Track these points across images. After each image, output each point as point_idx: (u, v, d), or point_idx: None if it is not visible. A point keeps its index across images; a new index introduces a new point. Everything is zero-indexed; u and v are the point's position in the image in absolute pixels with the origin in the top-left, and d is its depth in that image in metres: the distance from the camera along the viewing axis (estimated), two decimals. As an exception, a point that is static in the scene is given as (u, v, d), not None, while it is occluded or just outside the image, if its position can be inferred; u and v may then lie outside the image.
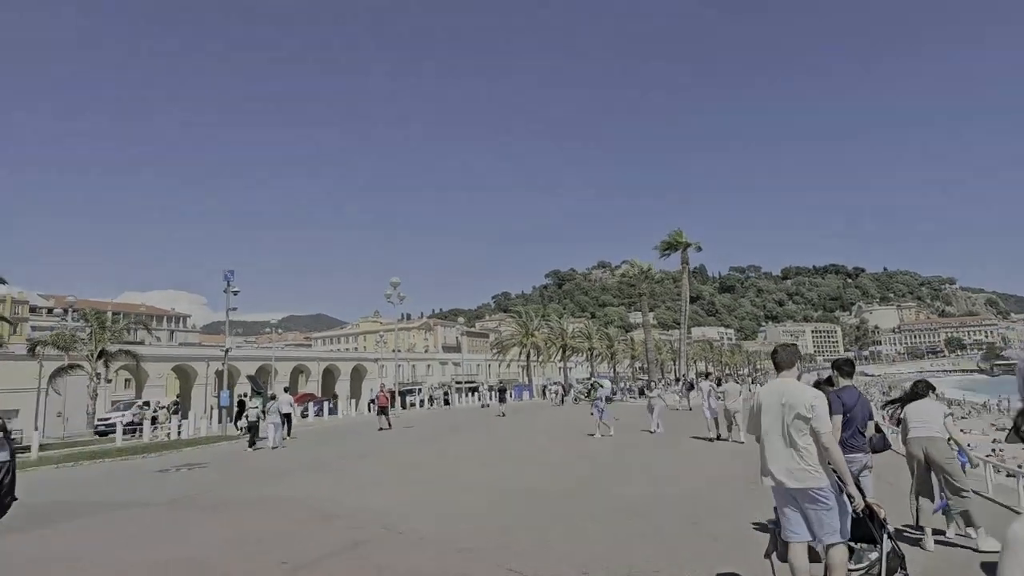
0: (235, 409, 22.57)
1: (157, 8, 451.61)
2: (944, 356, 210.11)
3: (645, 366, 62.69)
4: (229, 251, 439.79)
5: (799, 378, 4.21)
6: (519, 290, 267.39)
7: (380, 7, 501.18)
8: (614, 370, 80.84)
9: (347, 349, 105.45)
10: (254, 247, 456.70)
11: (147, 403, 30.67)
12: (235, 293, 22.04)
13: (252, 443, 17.91)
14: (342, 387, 67.91)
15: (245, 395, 23.31)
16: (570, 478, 10.56)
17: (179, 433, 22.08)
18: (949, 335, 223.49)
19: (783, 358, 4.13)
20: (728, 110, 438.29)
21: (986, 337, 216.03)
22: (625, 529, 6.69)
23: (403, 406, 41.01)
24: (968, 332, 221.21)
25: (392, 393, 38.27)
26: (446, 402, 45.12)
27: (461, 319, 77.03)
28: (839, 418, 5.17)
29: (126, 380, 57.76)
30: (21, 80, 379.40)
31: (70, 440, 25.16)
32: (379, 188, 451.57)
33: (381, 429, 22.16)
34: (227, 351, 22.54)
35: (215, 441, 20.51)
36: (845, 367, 6.05)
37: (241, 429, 21.24)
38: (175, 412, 23.45)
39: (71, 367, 26.27)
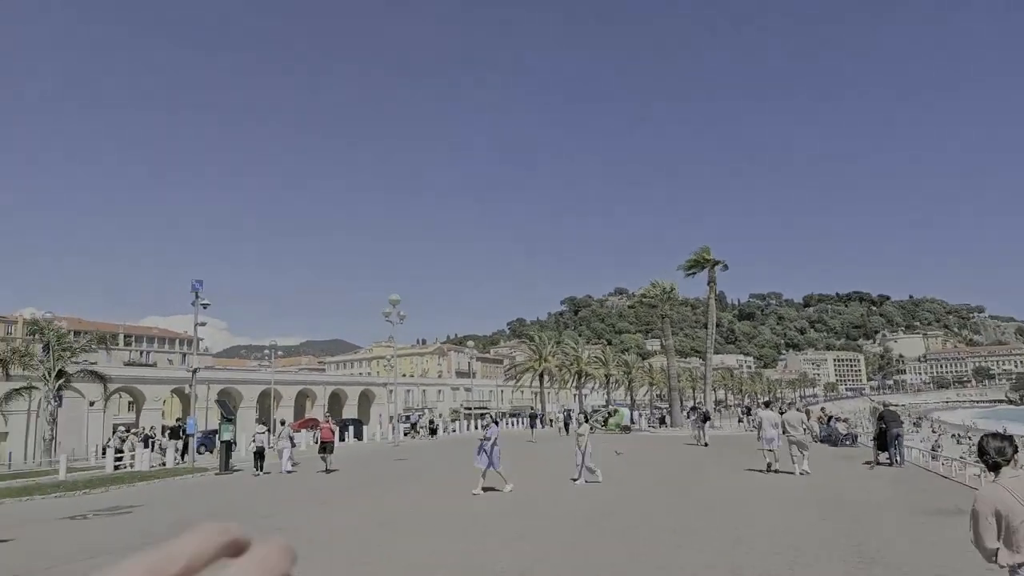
0: (183, 438, 20.24)
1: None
2: (971, 386, 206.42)
3: (666, 393, 59.40)
4: (253, 275, 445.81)
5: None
6: (534, 316, 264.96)
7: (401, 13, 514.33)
8: (631, 397, 77.40)
9: (360, 374, 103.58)
10: (276, 272, 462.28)
11: (132, 429, 28.56)
12: (204, 306, 20.01)
13: (260, 467, 17.69)
14: (349, 412, 65.87)
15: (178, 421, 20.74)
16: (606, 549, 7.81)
17: (146, 463, 19.70)
18: (977, 364, 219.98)
19: None
20: (749, 134, 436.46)
21: (1015, 367, 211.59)
22: None
23: (404, 434, 38.47)
24: (997, 361, 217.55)
25: (352, 423, 33.23)
26: (432, 432, 38.87)
27: (470, 343, 74.54)
28: None
29: (129, 403, 56.16)
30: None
31: (26, 471, 22.59)
32: (396, 214, 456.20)
33: (324, 471, 17.28)
34: (195, 371, 20.30)
35: (181, 474, 18.18)
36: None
37: (180, 459, 19.09)
38: (144, 438, 21.22)
39: (17, 390, 24.15)
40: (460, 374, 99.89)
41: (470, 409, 53.27)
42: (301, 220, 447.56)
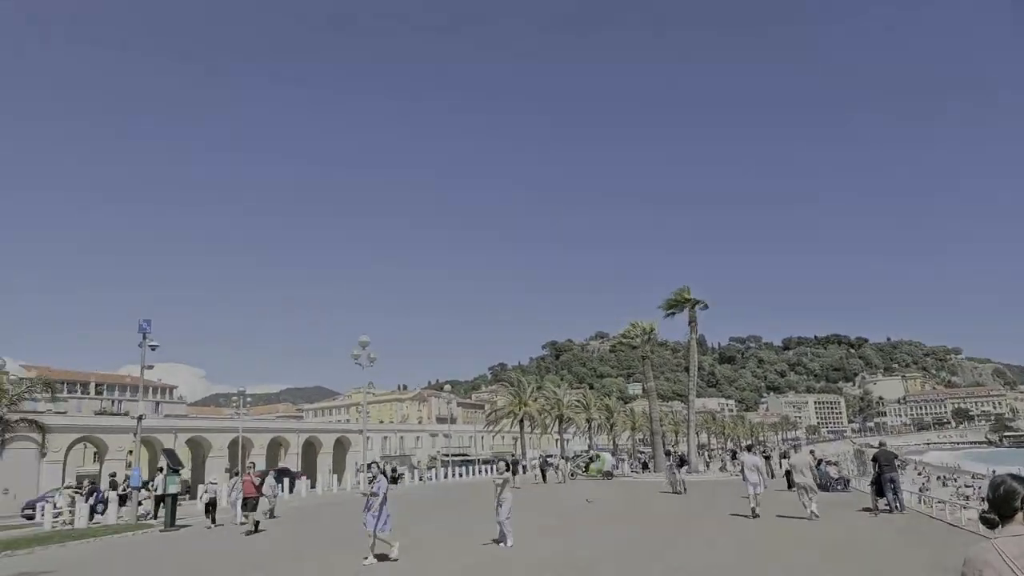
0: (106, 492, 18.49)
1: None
2: (951, 427, 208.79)
3: (648, 438, 58.24)
4: (234, 324, 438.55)
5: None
6: (516, 361, 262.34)
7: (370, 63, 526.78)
8: (614, 442, 75.82)
9: (339, 420, 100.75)
10: (258, 321, 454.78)
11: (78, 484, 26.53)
12: (152, 348, 18.78)
13: (212, 520, 17.07)
14: (324, 460, 63.53)
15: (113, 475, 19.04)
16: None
17: (89, 519, 17.99)
18: (956, 406, 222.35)
19: None
20: (726, 178, 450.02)
21: (994, 408, 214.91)
22: None
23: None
24: (975, 403, 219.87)
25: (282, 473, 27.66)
26: (394, 480, 35.65)
27: (447, 386, 73.06)
28: None
29: (94, 454, 53.79)
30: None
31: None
32: (375, 259, 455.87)
33: (250, 532, 15.07)
34: (139, 418, 18.78)
35: (122, 531, 16.60)
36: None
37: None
38: (90, 492, 19.54)
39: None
40: (440, 420, 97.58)
41: (448, 456, 51.36)
42: (285, 268, 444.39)
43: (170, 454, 18.47)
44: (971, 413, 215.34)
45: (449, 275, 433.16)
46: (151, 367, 19.16)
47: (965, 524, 12.78)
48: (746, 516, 14.66)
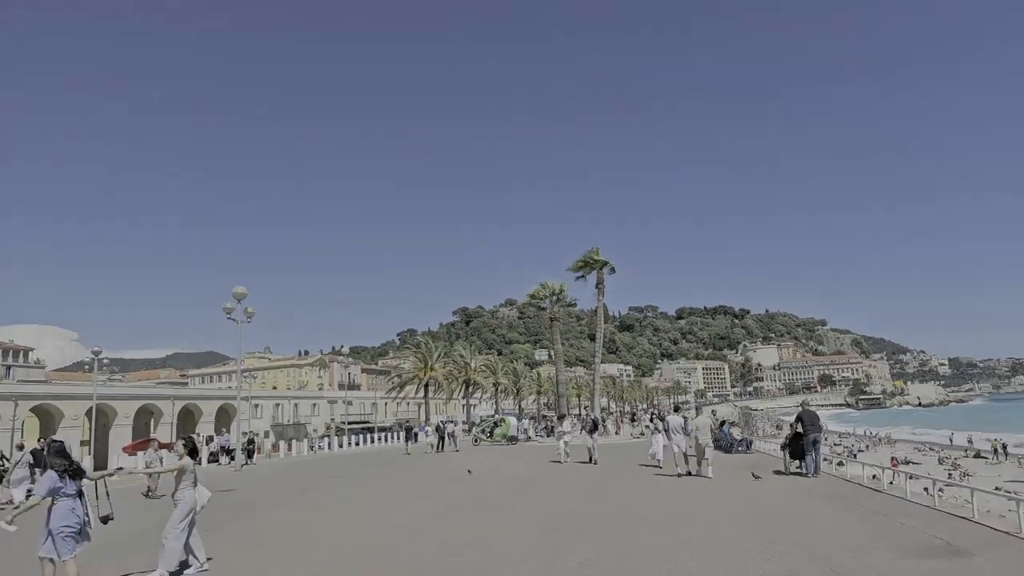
0: None
1: None
2: (817, 391, 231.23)
3: (553, 401, 58.61)
4: (115, 284, 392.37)
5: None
6: (426, 327, 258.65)
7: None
8: (519, 407, 76.15)
9: (228, 387, 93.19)
10: (142, 281, 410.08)
11: None
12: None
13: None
14: (205, 431, 57.88)
15: None
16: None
17: None
18: (821, 372, 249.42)
19: None
20: (631, 159, 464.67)
21: (852, 374, 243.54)
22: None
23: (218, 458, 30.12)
24: (837, 369, 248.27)
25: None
26: (249, 455, 28.22)
27: (346, 349, 69.45)
28: None
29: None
30: None
31: None
32: (280, 220, 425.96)
33: None
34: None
35: None
36: None
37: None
38: None
39: None
40: (344, 387, 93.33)
41: (344, 424, 48.25)
42: (178, 225, 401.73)
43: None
44: (834, 379, 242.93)
45: (361, 240, 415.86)
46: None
47: (887, 488, 12.18)
48: (669, 476, 14.45)
